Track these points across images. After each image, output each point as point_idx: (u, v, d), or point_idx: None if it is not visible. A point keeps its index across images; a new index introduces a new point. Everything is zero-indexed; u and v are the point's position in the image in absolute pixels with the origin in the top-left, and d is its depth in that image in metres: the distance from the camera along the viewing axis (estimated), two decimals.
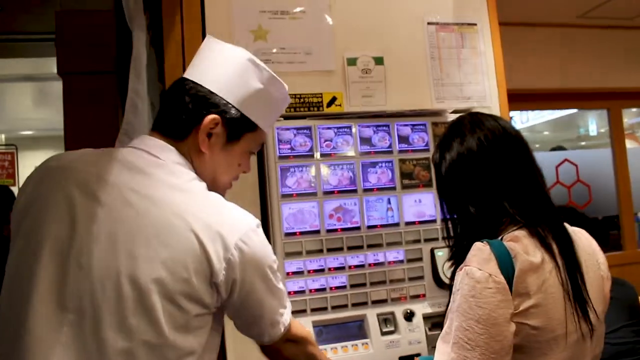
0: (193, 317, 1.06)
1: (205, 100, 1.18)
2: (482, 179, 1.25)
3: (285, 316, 1.24)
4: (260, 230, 1.15)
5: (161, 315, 1.02)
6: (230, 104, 1.19)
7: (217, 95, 1.19)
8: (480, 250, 1.15)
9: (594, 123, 7.07)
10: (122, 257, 1.02)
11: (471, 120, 1.32)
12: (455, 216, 1.31)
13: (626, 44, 3.65)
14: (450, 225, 1.33)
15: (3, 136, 6.56)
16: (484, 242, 1.17)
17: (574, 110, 5.70)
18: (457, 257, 1.27)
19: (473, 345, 1.10)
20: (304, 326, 1.47)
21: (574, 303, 1.16)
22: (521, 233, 1.19)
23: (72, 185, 1.08)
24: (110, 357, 0.99)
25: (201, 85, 1.20)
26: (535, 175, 1.28)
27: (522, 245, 1.17)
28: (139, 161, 1.13)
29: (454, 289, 1.18)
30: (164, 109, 1.23)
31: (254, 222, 1.14)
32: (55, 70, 2.35)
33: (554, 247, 1.20)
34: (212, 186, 1.20)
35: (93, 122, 2.17)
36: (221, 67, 1.22)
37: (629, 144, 4.06)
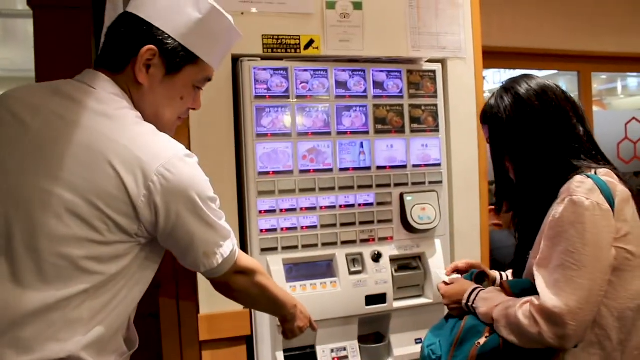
0: (112, 244, 1.08)
1: (141, 31, 1.17)
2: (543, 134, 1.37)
3: (225, 248, 1.23)
4: (192, 161, 1.15)
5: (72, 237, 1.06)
6: (167, 34, 1.18)
7: (153, 25, 1.17)
8: (583, 182, 1.29)
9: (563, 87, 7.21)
10: (39, 180, 1.06)
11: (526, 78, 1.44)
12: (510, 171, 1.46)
13: (605, 9, 3.70)
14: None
15: None
16: (583, 175, 1.30)
17: (545, 74, 5.77)
18: (519, 211, 1.50)
19: (580, 266, 1.22)
20: (254, 259, 1.49)
21: None
22: (605, 170, 1.35)
23: (3, 111, 1.12)
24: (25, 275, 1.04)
25: (138, 17, 1.18)
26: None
27: (614, 178, 1.34)
28: (71, 90, 1.15)
29: (549, 219, 1.30)
30: (105, 43, 1.23)
31: (183, 152, 1.14)
32: (19, 7, 2.25)
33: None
34: (156, 122, 1.20)
35: (66, 61, 2.11)
36: None
37: (595, 109, 4.16)
